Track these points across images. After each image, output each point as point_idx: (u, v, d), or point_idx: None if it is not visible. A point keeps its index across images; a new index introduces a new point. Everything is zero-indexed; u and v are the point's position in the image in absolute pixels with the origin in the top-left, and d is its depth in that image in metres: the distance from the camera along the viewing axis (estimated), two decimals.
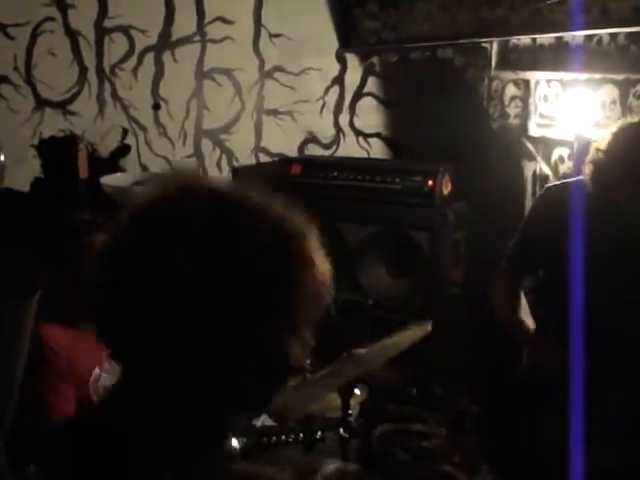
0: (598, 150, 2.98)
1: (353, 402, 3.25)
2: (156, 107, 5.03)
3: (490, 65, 4.85)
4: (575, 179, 3.28)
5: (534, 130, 4.76)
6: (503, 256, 3.41)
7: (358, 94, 5.73)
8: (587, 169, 3.02)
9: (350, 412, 3.18)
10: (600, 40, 4.32)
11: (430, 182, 4.73)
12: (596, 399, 2.80)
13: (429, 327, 3.30)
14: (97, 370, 3.13)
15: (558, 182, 3.32)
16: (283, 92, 5.45)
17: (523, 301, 3.39)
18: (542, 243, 3.16)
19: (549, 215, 3.14)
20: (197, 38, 5.11)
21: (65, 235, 3.19)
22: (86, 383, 3.08)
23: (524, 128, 4.82)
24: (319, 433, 3.55)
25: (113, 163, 4.88)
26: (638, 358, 2.94)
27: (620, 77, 4.24)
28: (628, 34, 4.14)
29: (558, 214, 2.94)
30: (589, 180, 3.01)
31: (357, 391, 3.33)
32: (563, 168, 4.57)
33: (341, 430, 3.15)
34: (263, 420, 3.72)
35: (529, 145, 4.79)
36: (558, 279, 2.98)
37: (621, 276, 2.94)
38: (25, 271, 2.90)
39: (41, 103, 4.70)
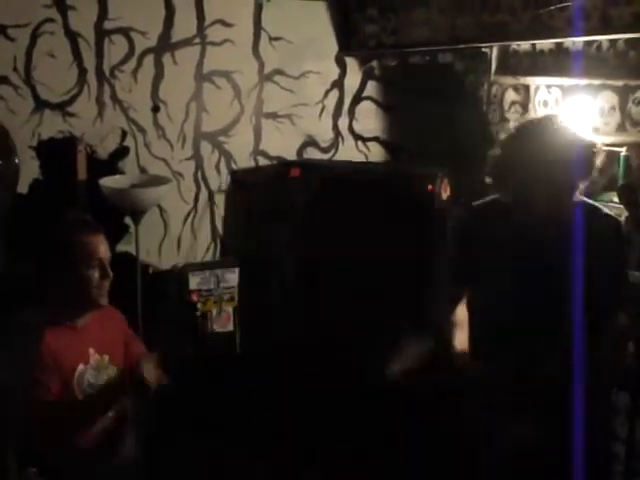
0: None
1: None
2: (155, 109, 5.03)
3: (490, 70, 4.86)
4: (484, 199, 3.40)
5: None
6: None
7: (357, 98, 5.73)
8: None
9: None
10: (599, 46, 4.32)
11: (429, 186, 4.73)
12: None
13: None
14: (81, 367, 3.14)
15: (477, 202, 3.42)
16: (282, 95, 5.45)
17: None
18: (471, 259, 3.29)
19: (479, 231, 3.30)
20: (197, 40, 5.11)
21: (56, 233, 3.20)
22: (69, 379, 3.09)
23: None
24: None
25: (112, 165, 4.89)
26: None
27: (619, 83, 4.24)
28: (627, 40, 4.15)
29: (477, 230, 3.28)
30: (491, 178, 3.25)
31: None
32: None
33: None
34: None
35: None
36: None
37: (521, 279, 3.07)
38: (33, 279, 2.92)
39: (40, 104, 4.70)
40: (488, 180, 3.28)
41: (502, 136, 3.22)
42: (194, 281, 4.99)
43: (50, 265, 3.09)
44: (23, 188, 4.55)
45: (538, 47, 4.63)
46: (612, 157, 4.16)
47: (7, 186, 2.55)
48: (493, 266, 3.17)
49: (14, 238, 3.67)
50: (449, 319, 3.36)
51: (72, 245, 3.10)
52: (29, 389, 2.92)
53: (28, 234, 3.08)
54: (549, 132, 3.01)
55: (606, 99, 4.31)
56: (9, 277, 2.82)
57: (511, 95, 4.88)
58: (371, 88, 5.76)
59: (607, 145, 4.14)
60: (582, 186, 3.02)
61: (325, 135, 5.67)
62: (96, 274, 3.13)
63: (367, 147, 5.80)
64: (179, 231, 5.25)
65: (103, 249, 3.16)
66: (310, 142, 5.62)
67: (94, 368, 3.19)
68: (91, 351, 3.19)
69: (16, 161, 2.48)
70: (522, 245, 3.08)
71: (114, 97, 4.90)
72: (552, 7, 3.97)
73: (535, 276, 3.04)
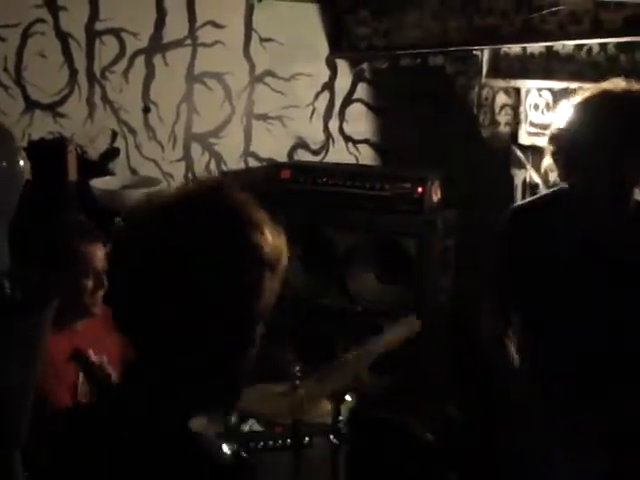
0: (556, 133, 2.83)
1: (344, 408, 3.25)
2: (146, 110, 5.03)
3: (481, 73, 4.86)
4: (538, 195, 3.21)
5: (524, 138, 4.77)
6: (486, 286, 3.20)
7: (348, 100, 5.73)
8: (552, 156, 2.84)
9: (341, 418, 3.18)
10: (590, 50, 4.33)
11: (420, 189, 4.73)
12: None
13: (417, 323, 3.27)
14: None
15: (521, 203, 3.15)
16: (273, 97, 5.45)
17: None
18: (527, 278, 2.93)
19: (526, 240, 2.95)
20: (188, 42, 5.11)
21: (51, 237, 3.18)
22: (75, 384, 3.08)
23: (514, 136, 4.83)
24: (307, 439, 3.55)
25: (102, 166, 4.87)
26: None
27: None
28: (617, 44, 4.16)
29: (536, 239, 2.88)
30: (557, 168, 2.84)
31: (348, 397, 3.33)
32: (553, 177, 4.56)
33: (332, 436, 3.15)
34: (251, 425, 3.71)
35: (519, 153, 4.80)
36: (544, 313, 2.89)
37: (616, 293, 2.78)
38: (38, 282, 2.90)
39: (31, 105, 4.69)
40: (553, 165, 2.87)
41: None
42: None
43: (47, 268, 3.07)
44: None
45: (529, 50, 4.63)
46: None
47: (13, 188, 2.53)
48: (557, 290, 2.82)
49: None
50: (507, 363, 3.00)
51: (69, 251, 3.09)
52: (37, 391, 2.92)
53: (21, 235, 3.06)
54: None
55: None
56: (17, 278, 2.81)
57: (502, 98, 4.88)
58: (362, 90, 5.76)
59: None
60: None
61: (316, 137, 5.67)
62: (90, 283, 3.12)
63: (357, 149, 5.80)
64: None
65: (100, 259, 3.15)
66: (301, 144, 5.61)
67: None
68: (91, 353, 3.19)
69: (21, 163, 2.48)
70: (596, 259, 2.76)
71: (105, 98, 4.89)
72: (544, 12, 3.98)
73: (617, 299, 2.77)
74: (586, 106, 2.74)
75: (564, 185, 2.92)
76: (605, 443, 2.79)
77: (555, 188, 3.13)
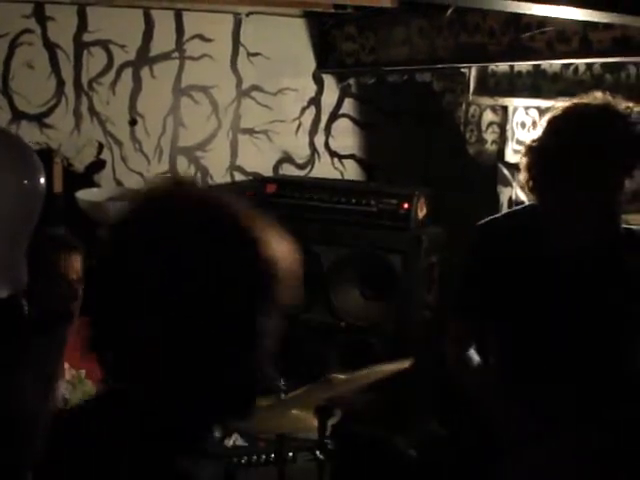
0: (532, 143, 2.76)
1: (329, 424, 3.25)
2: (133, 123, 5.02)
3: (468, 90, 4.87)
4: (501, 214, 3.18)
5: (511, 156, 4.79)
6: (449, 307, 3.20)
7: (334, 115, 5.74)
8: (524, 173, 2.76)
9: (327, 434, 3.18)
10: (576, 69, 4.35)
11: (406, 205, 4.74)
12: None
13: (408, 364, 3.28)
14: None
15: (487, 219, 3.01)
16: (259, 111, 5.45)
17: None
18: (491, 288, 2.89)
19: (493, 255, 2.90)
20: (175, 55, 5.11)
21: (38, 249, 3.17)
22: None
23: (501, 154, 4.84)
24: (290, 454, 3.55)
25: (88, 178, 4.86)
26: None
27: None
28: (603, 64, 4.18)
29: (502, 254, 2.84)
30: (530, 185, 2.75)
31: (333, 413, 3.33)
32: None
33: (317, 452, 3.15)
34: (234, 440, 3.70)
35: (505, 171, 4.82)
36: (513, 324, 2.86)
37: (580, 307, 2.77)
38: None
39: (17, 115, 4.68)
40: (522, 178, 2.80)
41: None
42: None
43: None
44: None
45: (516, 68, 4.65)
46: None
47: (35, 207, 2.51)
48: (524, 298, 2.80)
49: None
50: (460, 359, 2.97)
51: (44, 263, 3.07)
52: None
53: None
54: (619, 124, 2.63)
55: None
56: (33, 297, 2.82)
57: (489, 116, 4.90)
58: (348, 106, 5.77)
59: None
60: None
61: (301, 152, 5.67)
62: (65, 294, 3.09)
63: (343, 165, 5.81)
64: None
65: (76, 270, 3.13)
66: (286, 158, 5.61)
67: (70, 382, 3.17)
68: (67, 365, 3.17)
69: (42, 180, 2.46)
70: (563, 272, 2.75)
71: (92, 109, 4.89)
72: (534, 32, 4.00)
73: (578, 311, 2.75)
74: (562, 119, 2.73)
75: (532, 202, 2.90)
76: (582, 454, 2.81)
77: (523, 205, 3.12)
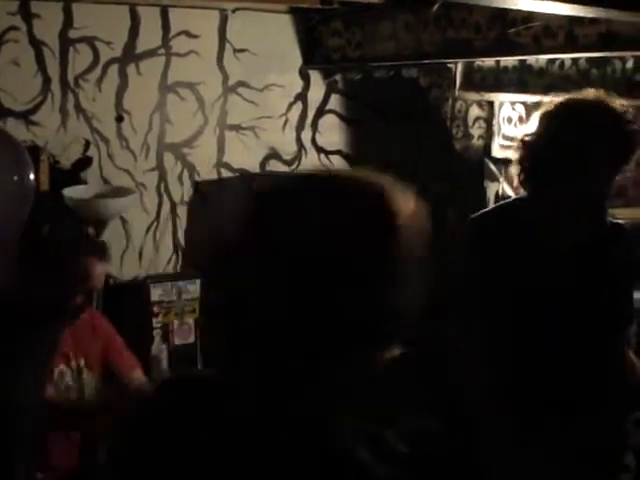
0: (525, 137, 2.77)
1: None
2: (119, 119, 5.01)
3: (454, 86, 4.88)
4: (491, 208, 3.18)
5: (497, 151, 4.81)
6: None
7: (321, 111, 5.74)
8: (516, 166, 2.78)
9: None
10: (562, 64, 4.36)
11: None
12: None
13: (397, 352, 3.26)
14: (62, 367, 3.13)
15: (479, 213, 3.00)
16: (246, 107, 5.44)
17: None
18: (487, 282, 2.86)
19: (487, 250, 2.88)
20: (162, 51, 5.10)
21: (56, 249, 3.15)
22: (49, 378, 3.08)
23: (487, 149, 4.86)
24: None
25: (74, 175, 4.84)
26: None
27: None
28: (589, 58, 4.20)
29: (496, 248, 2.82)
30: (522, 178, 2.77)
31: None
32: None
33: None
34: None
35: (492, 166, 4.83)
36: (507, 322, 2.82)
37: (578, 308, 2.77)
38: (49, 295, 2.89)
39: (3, 113, 4.66)
40: (514, 172, 2.83)
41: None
42: (155, 293, 4.96)
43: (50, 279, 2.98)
44: None
45: (502, 63, 4.66)
46: None
47: (25, 203, 2.52)
48: (520, 292, 2.78)
49: None
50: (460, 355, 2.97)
51: (70, 265, 2.99)
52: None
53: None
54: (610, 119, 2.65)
55: None
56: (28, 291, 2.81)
57: (475, 111, 4.91)
58: (335, 101, 5.77)
59: None
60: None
61: (288, 148, 5.67)
62: (79, 300, 3.03)
63: (330, 160, 5.80)
64: (141, 242, 5.21)
65: (99, 278, 3.09)
66: (273, 155, 5.61)
67: (74, 370, 3.19)
68: (71, 354, 3.18)
69: (31, 177, 2.45)
70: (555, 272, 2.74)
71: (78, 106, 4.87)
72: (520, 27, 4.01)
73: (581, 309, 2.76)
74: (555, 114, 2.74)
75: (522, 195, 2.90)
76: (570, 460, 2.81)
77: (512, 198, 3.13)
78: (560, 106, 2.72)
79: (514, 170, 2.80)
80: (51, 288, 2.90)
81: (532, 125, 2.80)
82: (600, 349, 2.83)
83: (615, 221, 2.84)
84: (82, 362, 3.23)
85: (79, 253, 3.02)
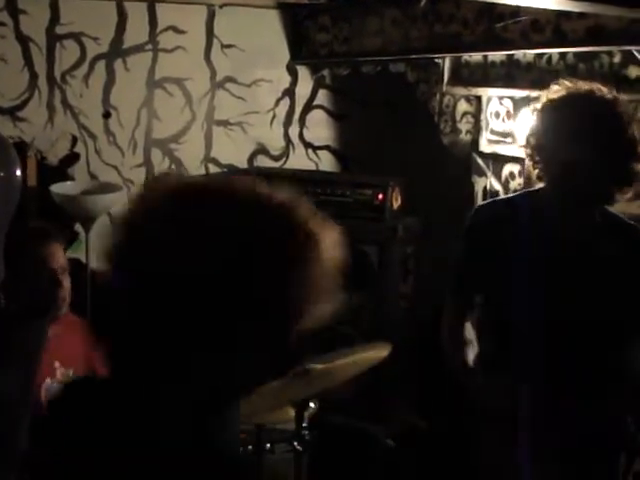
0: (532, 133, 2.81)
1: (307, 415, 3.25)
2: (106, 115, 5.00)
3: (442, 80, 4.88)
4: (500, 197, 3.20)
5: (485, 146, 4.80)
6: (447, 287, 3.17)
7: (308, 106, 5.73)
8: (528, 147, 2.83)
9: (304, 425, 3.18)
10: (550, 58, 4.36)
11: (380, 196, 4.75)
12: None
13: (386, 350, 3.28)
14: (48, 381, 3.10)
15: (487, 201, 3.13)
16: (234, 103, 5.44)
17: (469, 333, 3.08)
18: (485, 265, 2.93)
19: (488, 234, 2.94)
20: (149, 47, 5.09)
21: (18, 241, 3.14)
22: (38, 396, 3.05)
23: (475, 144, 4.86)
24: (268, 445, 3.54)
25: (62, 171, 4.83)
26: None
27: None
28: (576, 53, 4.19)
29: (498, 233, 2.88)
30: (532, 158, 2.82)
31: (312, 404, 3.32)
32: (514, 184, 4.61)
33: (295, 443, 3.15)
34: None
35: (480, 161, 4.83)
36: (502, 301, 2.88)
37: (581, 289, 2.79)
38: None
39: None
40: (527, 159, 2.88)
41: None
42: None
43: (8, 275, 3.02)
44: None
45: (490, 58, 4.66)
46: None
47: (11, 199, 2.50)
48: (520, 273, 2.83)
49: None
50: (456, 335, 3.00)
51: (25, 256, 3.03)
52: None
53: None
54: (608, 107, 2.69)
55: None
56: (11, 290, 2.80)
57: (463, 106, 4.91)
58: (322, 97, 5.77)
59: None
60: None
61: (276, 143, 5.66)
62: (46, 284, 3.05)
63: (317, 156, 5.80)
64: None
65: (56, 259, 3.10)
66: (261, 150, 5.60)
67: (59, 381, 3.14)
68: (57, 364, 3.14)
69: (18, 173, 2.45)
70: (556, 248, 2.79)
71: (65, 102, 4.86)
72: (508, 22, 4.00)
73: (575, 287, 2.78)
74: (559, 104, 2.76)
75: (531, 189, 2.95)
76: (558, 459, 2.82)
77: (522, 191, 3.15)
78: (557, 100, 2.75)
79: (529, 167, 2.86)
80: (13, 279, 2.89)
81: (532, 122, 2.82)
82: (600, 341, 2.82)
83: (610, 212, 2.86)
84: (71, 372, 3.19)
85: (35, 240, 3.05)
